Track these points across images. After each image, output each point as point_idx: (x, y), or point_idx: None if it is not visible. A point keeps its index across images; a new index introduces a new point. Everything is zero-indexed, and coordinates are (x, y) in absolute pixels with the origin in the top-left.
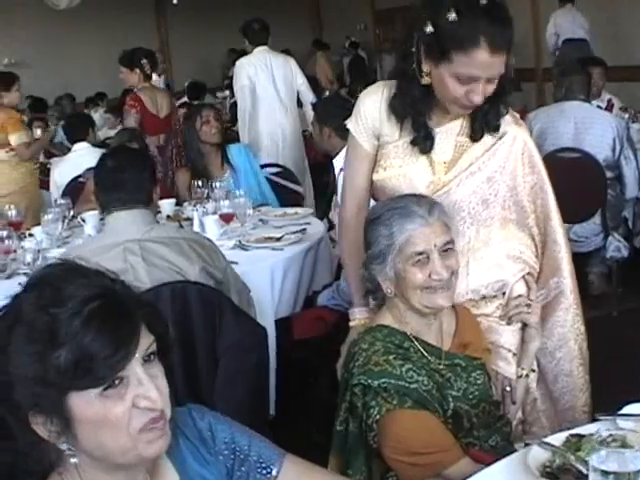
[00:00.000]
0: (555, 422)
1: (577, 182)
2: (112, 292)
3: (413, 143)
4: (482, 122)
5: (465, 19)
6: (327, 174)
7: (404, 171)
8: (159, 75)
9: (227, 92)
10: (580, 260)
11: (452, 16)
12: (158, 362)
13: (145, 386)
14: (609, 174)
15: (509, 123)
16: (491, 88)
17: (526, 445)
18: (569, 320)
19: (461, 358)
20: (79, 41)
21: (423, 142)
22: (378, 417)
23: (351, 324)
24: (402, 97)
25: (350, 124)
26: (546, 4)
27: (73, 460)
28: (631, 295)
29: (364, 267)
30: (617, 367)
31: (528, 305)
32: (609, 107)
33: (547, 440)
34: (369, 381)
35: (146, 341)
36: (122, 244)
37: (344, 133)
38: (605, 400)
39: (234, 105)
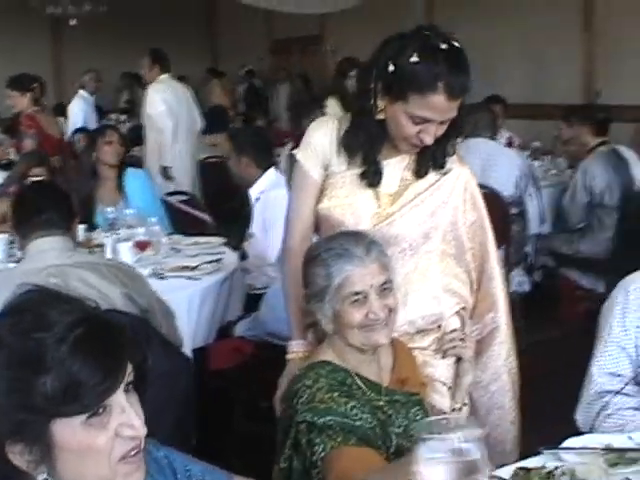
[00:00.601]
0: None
1: None
2: (96, 318)
3: (362, 176)
4: (429, 160)
5: (425, 63)
6: (235, 202)
7: (349, 201)
8: (91, 94)
9: (124, 116)
10: None
11: (413, 59)
12: (134, 391)
13: (128, 414)
14: (513, 210)
15: (454, 161)
16: (442, 130)
17: None
18: (503, 354)
19: (400, 394)
20: None
21: (372, 177)
22: (323, 454)
23: (289, 357)
24: (356, 133)
25: (299, 154)
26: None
27: None
28: (534, 328)
29: (305, 301)
30: (526, 400)
31: (463, 339)
32: (509, 145)
33: (495, 474)
34: (315, 418)
35: (128, 370)
36: (44, 269)
37: (261, 162)
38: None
39: (133, 129)
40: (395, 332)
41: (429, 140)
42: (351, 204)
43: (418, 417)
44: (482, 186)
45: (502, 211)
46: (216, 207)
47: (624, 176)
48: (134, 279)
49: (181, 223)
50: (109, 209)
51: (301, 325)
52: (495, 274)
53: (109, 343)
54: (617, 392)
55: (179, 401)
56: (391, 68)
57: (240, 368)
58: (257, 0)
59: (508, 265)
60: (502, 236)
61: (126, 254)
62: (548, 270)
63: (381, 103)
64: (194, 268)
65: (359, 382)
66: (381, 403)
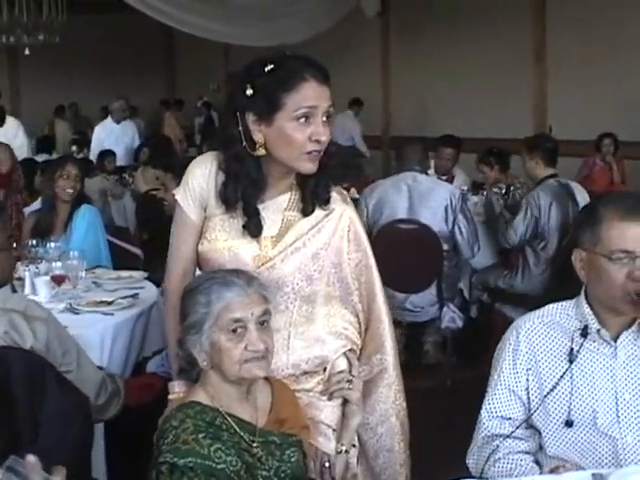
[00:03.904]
0: None
1: (414, 253)
2: None
3: (244, 227)
4: (312, 196)
5: (282, 65)
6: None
7: (229, 245)
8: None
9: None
10: (416, 329)
11: (270, 67)
12: None
13: None
14: (445, 246)
15: (336, 200)
16: (329, 132)
17: None
18: (391, 396)
19: (276, 435)
20: None
21: (254, 228)
22: None
23: (170, 397)
24: (234, 182)
25: (178, 194)
26: (397, 71)
27: None
28: (465, 365)
29: (179, 344)
30: (449, 435)
31: (350, 381)
32: (449, 179)
33: None
34: (175, 459)
35: None
36: None
37: None
38: (436, 468)
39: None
40: (279, 375)
41: (324, 137)
42: (231, 247)
43: (293, 459)
44: (411, 221)
45: (433, 246)
46: (149, 241)
47: (568, 212)
48: (31, 320)
49: (115, 256)
50: (32, 242)
51: None
52: (382, 315)
53: None
54: (507, 436)
55: (74, 440)
56: (250, 92)
57: (150, 405)
58: (212, 34)
59: (440, 300)
60: (433, 271)
61: (42, 288)
62: (484, 305)
63: (259, 136)
64: (110, 303)
65: (230, 422)
66: (254, 444)
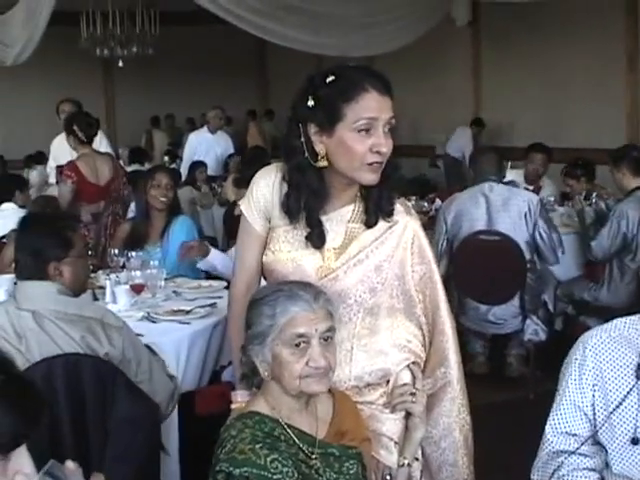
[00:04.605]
0: None
1: (496, 264)
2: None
3: (307, 239)
4: (375, 207)
5: (343, 76)
6: None
7: (293, 256)
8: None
9: (166, 158)
10: (499, 341)
11: (330, 78)
12: None
13: (28, 466)
14: (528, 256)
15: (400, 212)
16: (391, 143)
17: None
18: (455, 410)
19: (335, 447)
20: (24, 99)
21: (317, 239)
22: None
23: (233, 407)
24: (296, 195)
25: (243, 205)
26: (488, 80)
27: None
28: (549, 378)
29: (242, 350)
30: (530, 449)
31: (413, 394)
32: (536, 189)
33: None
34: (230, 469)
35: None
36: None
37: None
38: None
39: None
40: (341, 387)
41: (385, 148)
42: (294, 259)
43: (352, 471)
44: (492, 232)
45: (515, 257)
46: None
47: None
48: (107, 328)
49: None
50: (114, 251)
51: None
52: (446, 328)
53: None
54: (572, 452)
55: (143, 445)
56: (311, 103)
57: (224, 414)
58: (303, 45)
59: (523, 312)
60: (516, 283)
61: (122, 297)
62: (569, 318)
63: (320, 147)
64: (188, 312)
65: (290, 433)
66: (313, 456)
